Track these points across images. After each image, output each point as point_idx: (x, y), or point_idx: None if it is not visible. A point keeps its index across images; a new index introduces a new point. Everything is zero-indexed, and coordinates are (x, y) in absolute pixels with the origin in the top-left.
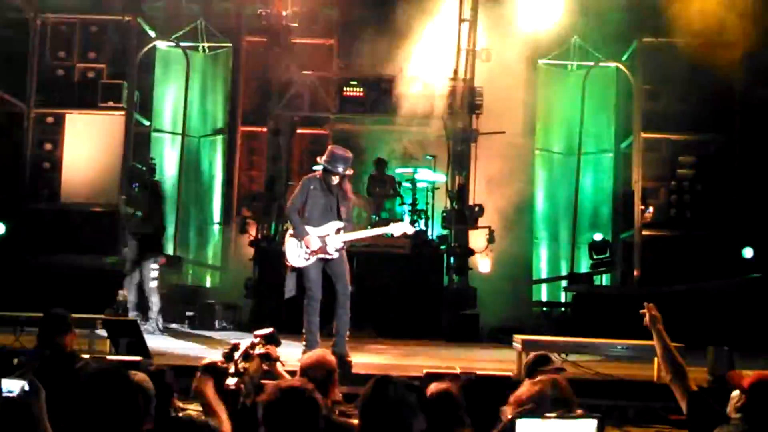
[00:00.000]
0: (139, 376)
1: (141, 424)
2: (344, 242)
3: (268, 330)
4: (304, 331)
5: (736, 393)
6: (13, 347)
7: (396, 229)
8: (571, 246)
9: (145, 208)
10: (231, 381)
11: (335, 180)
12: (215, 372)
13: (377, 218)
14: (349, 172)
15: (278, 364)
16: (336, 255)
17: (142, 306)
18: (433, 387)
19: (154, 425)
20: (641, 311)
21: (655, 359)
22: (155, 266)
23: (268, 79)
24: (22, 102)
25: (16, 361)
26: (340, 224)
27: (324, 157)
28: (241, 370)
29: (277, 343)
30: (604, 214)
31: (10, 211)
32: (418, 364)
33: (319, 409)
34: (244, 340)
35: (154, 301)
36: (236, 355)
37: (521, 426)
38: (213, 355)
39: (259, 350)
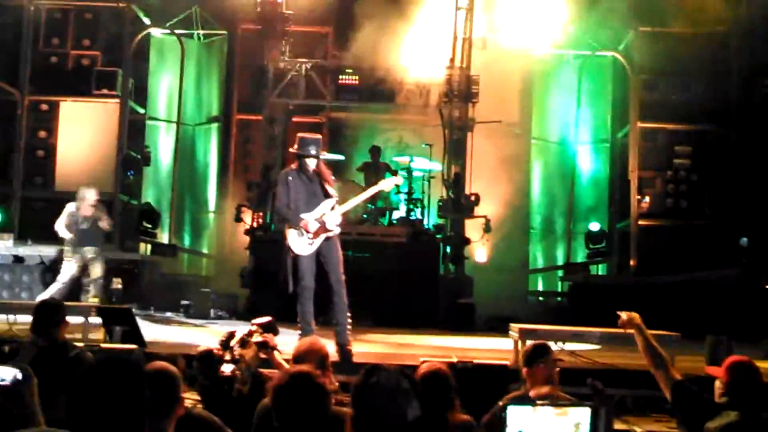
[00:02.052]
0: (161, 363)
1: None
2: (342, 214)
3: (267, 319)
4: (299, 320)
5: (718, 383)
6: (6, 336)
7: (386, 185)
8: (567, 236)
9: None
10: (227, 368)
11: (311, 164)
12: (210, 359)
13: (373, 207)
14: (324, 153)
15: (276, 352)
16: (338, 230)
17: None
18: (424, 367)
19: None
20: (619, 322)
21: None
22: None
23: (264, 67)
24: (15, 89)
25: (7, 349)
26: (332, 201)
27: (295, 147)
28: (237, 358)
29: (275, 332)
30: (600, 204)
31: (4, 198)
32: (414, 353)
33: (327, 395)
34: (241, 328)
35: None
36: (232, 342)
37: (512, 413)
38: (209, 342)
39: (256, 338)
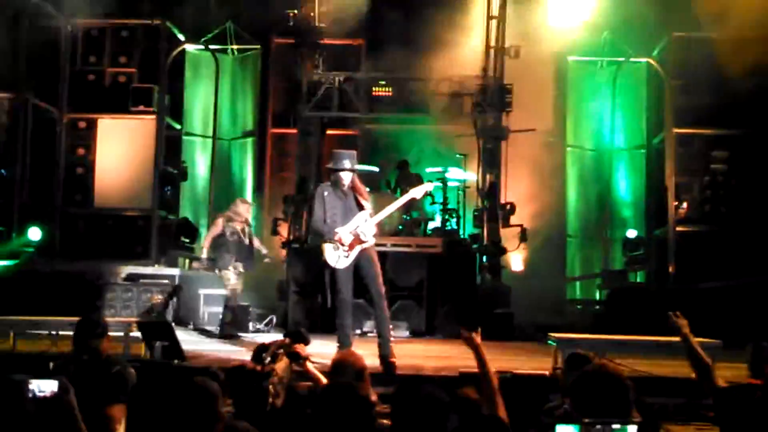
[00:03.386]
0: (200, 379)
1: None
2: (377, 225)
3: (296, 329)
4: (337, 332)
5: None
6: (50, 351)
7: (417, 192)
8: (604, 243)
9: None
10: (259, 382)
11: (346, 179)
12: (242, 374)
13: (409, 218)
14: (358, 166)
15: (308, 363)
16: (372, 241)
17: None
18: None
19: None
20: (669, 321)
21: None
22: None
23: (297, 81)
24: (55, 107)
25: (51, 365)
26: (366, 213)
27: (330, 163)
28: (269, 371)
29: (306, 342)
30: (637, 211)
31: (46, 216)
32: (452, 365)
33: (370, 407)
34: (272, 341)
35: None
36: (264, 355)
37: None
38: (247, 356)
39: (287, 350)
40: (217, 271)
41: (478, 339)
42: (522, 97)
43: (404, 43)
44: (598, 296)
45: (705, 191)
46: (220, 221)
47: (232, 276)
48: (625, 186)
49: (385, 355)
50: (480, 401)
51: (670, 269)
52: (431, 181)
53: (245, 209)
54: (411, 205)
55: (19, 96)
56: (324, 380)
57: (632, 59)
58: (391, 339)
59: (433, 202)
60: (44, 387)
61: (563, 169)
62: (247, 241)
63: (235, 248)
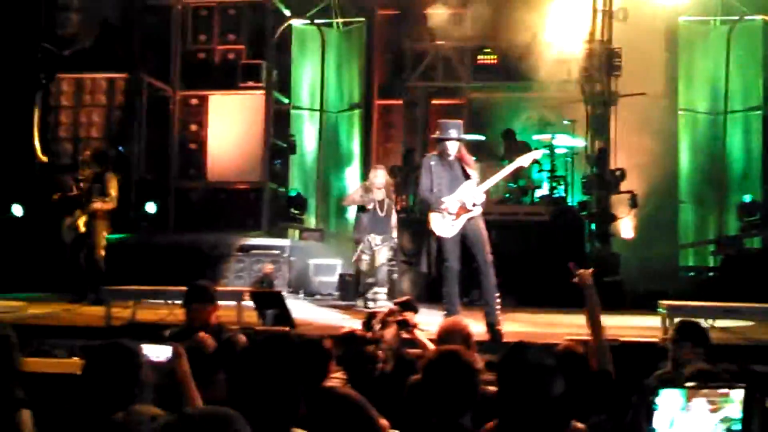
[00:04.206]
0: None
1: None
2: (484, 192)
3: (406, 297)
4: (444, 300)
5: None
6: (167, 320)
7: (525, 160)
8: (719, 208)
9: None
10: (369, 348)
11: (452, 149)
12: (353, 340)
13: (515, 186)
14: (464, 136)
15: (416, 330)
16: (479, 210)
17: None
18: (560, 347)
19: (307, 394)
20: None
21: None
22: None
23: (402, 52)
24: (168, 86)
25: (167, 332)
26: (473, 182)
27: (436, 132)
28: (379, 338)
29: (415, 310)
30: (753, 175)
31: (161, 190)
32: (561, 332)
33: (476, 373)
34: (382, 308)
35: None
36: (374, 323)
37: (663, 397)
38: (354, 324)
39: (396, 318)
40: (355, 243)
41: (590, 279)
42: (631, 60)
43: (509, 9)
44: (711, 263)
45: None
46: (359, 188)
47: (365, 248)
48: (741, 149)
49: (491, 323)
50: (587, 356)
51: None
52: (538, 149)
53: (374, 175)
54: (518, 173)
55: (133, 76)
56: (431, 347)
57: (747, 17)
58: (498, 307)
59: (541, 170)
60: (158, 353)
61: (675, 133)
62: (381, 213)
63: (369, 220)
